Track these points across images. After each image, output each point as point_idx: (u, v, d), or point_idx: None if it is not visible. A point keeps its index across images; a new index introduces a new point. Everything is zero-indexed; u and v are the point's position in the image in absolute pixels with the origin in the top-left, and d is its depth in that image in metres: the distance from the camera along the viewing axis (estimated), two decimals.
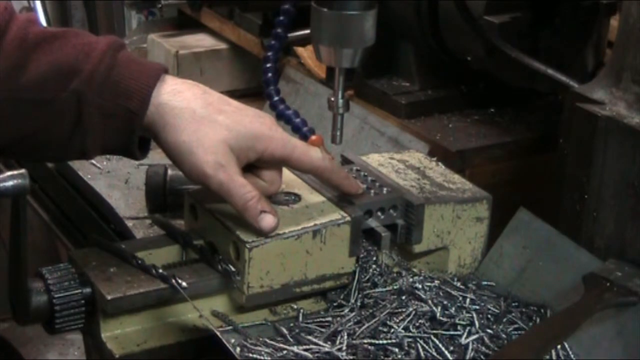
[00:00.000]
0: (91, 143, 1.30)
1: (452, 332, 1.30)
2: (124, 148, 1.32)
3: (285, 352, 1.24)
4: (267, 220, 1.28)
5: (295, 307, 1.35)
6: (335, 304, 1.36)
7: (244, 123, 1.31)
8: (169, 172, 1.65)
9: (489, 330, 1.31)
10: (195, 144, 1.27)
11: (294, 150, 1.32)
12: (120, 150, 1.34)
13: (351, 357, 1.25)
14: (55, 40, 1.29)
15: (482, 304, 1.36)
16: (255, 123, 1.31)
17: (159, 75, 1.30)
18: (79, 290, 1.27)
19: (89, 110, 1.27)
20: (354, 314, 1.32)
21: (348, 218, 1.34)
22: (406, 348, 1.26)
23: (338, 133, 1.63)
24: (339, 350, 1.25)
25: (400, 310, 1.32)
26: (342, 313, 1.33)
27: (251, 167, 1.33)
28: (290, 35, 1.76)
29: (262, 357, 1.23)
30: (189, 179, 1.32)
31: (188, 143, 1.27)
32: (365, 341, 1.26)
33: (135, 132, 1.30)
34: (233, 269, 1.30)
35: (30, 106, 1.27)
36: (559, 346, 1.29)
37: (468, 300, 1.36)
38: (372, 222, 1.39)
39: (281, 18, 1.68)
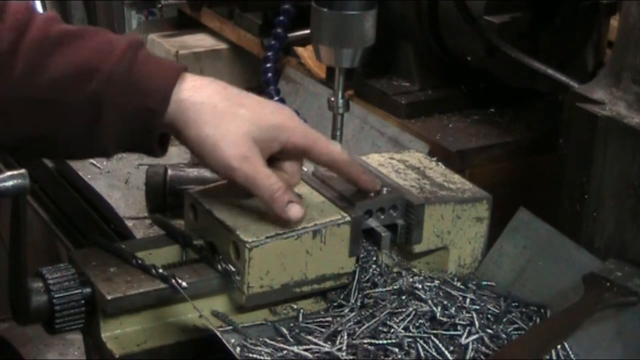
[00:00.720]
0: (110, 142, 1.30)
1: (452, 332, 1.30)
2: (143, 146, 1.33)
3: (285, 352, 1.24)
4: (294, 210, 1.29)
5: (295, 307, 1.35)
6: (335, 304, 1.35)
7: (266, 115, 1.32)
8: (169, 172, 1.65)
9: (489, 330, 1.31)
10: (219, 137, 1.28)
11: (315, 142, 1.33)
12: (139, 148, 1.34)
13: (351, 357, 1.25)
14: (74, 40, 1.29)
15: (482, 304, 1.36)
16: (276, 114, 1.32)
17: (179, 74, 1.30)
18: (79, 290, 1.27)
19: (107, 110, 1.27)
20: (354, 314, 1.32)
21: (348, 218, 1.34)
22: (406, 348, 1.26)
23: (338, 133, 1.64)
24: (339, 350, 1.25)
25: (400, 310, 1.32)
26: (342, 313, 1.33)
27: (271, 160, 1.34)
28: (290, 35, 1.76)
29: (262, 357, 1.23)
30: (214, 173, 1.34)
31: (212, 137, 1.28)
32: (365, 341, 1.26)
33: (155, 131, 1.30)
34: (233, 269, 1.30)
35: (48, 106, 1.28)
36: (559, 346, 1.29)
37: (468, 300, 1.36)
38: (372, 222, 1.39)
39: (281, 18, 1.68)
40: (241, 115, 1.30)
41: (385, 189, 1.42)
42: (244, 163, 1.28)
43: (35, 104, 1.27)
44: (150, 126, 1.29)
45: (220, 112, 1.29)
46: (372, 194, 1.40)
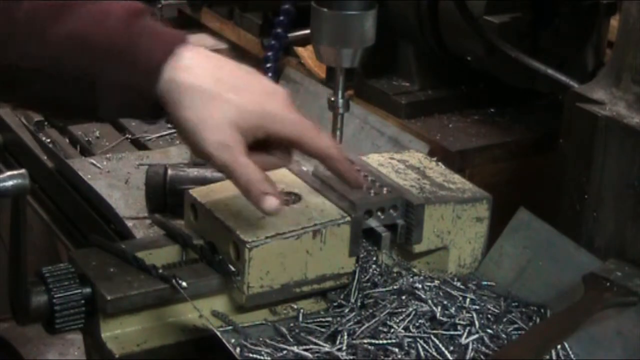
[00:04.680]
0: (105, 109, 1.30)
1: (452, 332, 1.30)
2: (138, 115, 1.35)
3: (285, 352, 1.24)
4: (269, 202, 1.26)
5: (295, 307, 1.35)
6: (335, 304, 1.35)
7: (254, 101, 1.28)
8: (169, 172, 1.65)
9: (489, 330, 1.31)
10: (201, 122, 1.26)
11: (303, 133, 1.29)
12: (134, 115, 1.37)
13: (351, 357, 1.25)
14: (70, 8, 1.27)
15: (482, 304, 1.36)
16: (266, 101, 1.28)
17: (172, 50, 1.27)
18: (79, 290, 1.27)
19: (101, 82, 1.26)
20: (354, 314, 1.32)
21: (348, 218, 1.34)
22: (406, 348, 1.26)
23: (338, 133, 1.64)
24: (339, 350, 1.25)
25: (400, 310, 1.32)
26: (342, 313, 1.33)
27: (262, 144, 1.30)
28: (290, 35, 1.76)
29: (262, 357, 1.23)
30: (195, 155, 1.33)
31: (192, 121, 1.26)
32: (365, 341, 1.26)
33: (148, 104, 1.28)
34: (233, 269, 1.30)
35: (45, 74, 1.27)
36: (559, 346, 1.29)
37: (468, 300, 1.36)
38: (372, 222, 1.39)
39: (281, 18, 1.68)
40: (228, 100, 1.27)
41: (385, 189, 1.42)
42: (223, 151, 1.25)
43: (35, 72, 1.27)
44: (142, 99, 1.27)
45: (207, 96, 1.26)
46: (372, 194, 1.40)
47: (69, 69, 1.27)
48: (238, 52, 2.39)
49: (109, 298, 1.24)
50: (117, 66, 1.26)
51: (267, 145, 1.30)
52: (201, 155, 1.28)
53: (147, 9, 1.30)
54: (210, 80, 1.28)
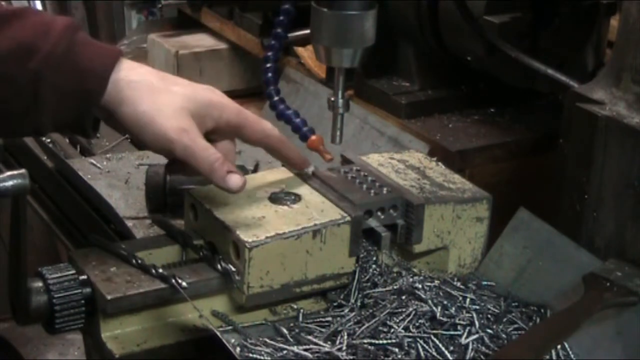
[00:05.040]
0: (45, 121, 1.31)
1: (452, 332, 1.30)
2: (79, 127, 1.34)
3: (285, 352, 1.24)
4: (234, 180, 1.30)
5: (295, 307, 1.35)
6: (335, 304, 1.35)
7: (199, 92, 1.34)
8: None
9: (489, 330, 1.31)
10: (156, 112, 1.30)
11: (247, 118, 1.36)
12: (75, 128, 1.36)
13: (351, 357, 1.25)
14: (14, 19, 1.30)
15: (482, 304, 1.36)
16: (208, 92, 1.35)
17: (117, 56, 1.32)
18: (79, 290, 1.27)
19: (45, 89, 1.28)
20: (354, 314, 1.32)
21: (348, 218, 1.34)
22: (406, 348, 1.26)
23: (338, 133, 1.63)
24: (339, 350, 1.25)
25: (400, 310, 1.32)
26: (342, 313, 1.33)
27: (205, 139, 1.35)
28: (290, 35, 1.76)
29: (262, 357, 1.23)
30: (151, 149, 1.34)
31: (148, 112, 1.30)
32: (365, 341, 1.26)
33: (92, 111, 1.32)
34: (233, 269, 1.30)
35: None
36: (559, 346, 1.29)
37: (468, 300, 1.36)
38: (372, 222, 1.39)
39: (281, 18, 1.68)
40: (176, 91, 1.32)
41: (385, 189, 1.42)
42: (182, 135, 1.29)
43: None
44: (87, 106, 1.31)
45: (157, 89, 1.31)
46: (372, 194, 1.40)
47: (13, 75, 1.28)
48: (238, 52, 2.39)
49: (109, 298, 1.24)
50: (62, 71, 1.29)
51: (210, 141, 1.34)
52: (161, 144, 1.31)
53: (80, 26, 1.35)
54: (156, 77, 1.34)
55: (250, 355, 1.23)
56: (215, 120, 1.33)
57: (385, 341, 1.27)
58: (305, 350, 1.24)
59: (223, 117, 1.34)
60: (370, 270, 1.38)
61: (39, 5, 3.46)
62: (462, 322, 1.31)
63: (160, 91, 1.32)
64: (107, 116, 1.33)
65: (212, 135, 1.35)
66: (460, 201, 1.43)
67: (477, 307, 1.35)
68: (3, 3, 1.36)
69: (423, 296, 1.34)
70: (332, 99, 1.60)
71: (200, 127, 1.32)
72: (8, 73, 1.28)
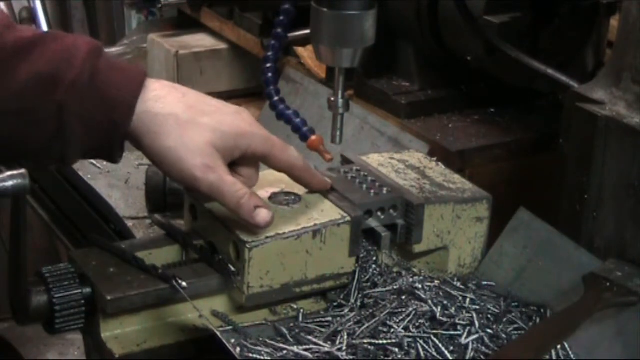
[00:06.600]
0: (71, 151, 1.29)
1: (452, 332, 1.30)
2: (105, 154, 1.32)
3: (285, 352, 1.24)
4: (263, 215, 1.29)
5: (295, 307, 1.35)
6: (335, 304, 1.35)
7: (227, 122, 1.31)
8: None
9: (489, 330, 1.31)
10: (182, 149, 1.28)
11: (273, 147, 1.34)
12: (100, 155, 1.33)
13: (351, 357, 1.25)
14: (34, 48, 1.26)
15: (482, 304, 1.36)
16: (237, 121, 1.32)
17: (142, 82, 1.29)
18: (79, 290, 1.27)
19: (70, 120, 1.26)
20: (354, 314, 1.32)
21: (348, 218, 1.34)
22: (406, 348, 1.26)
23: (338, 133, 1.63)
24: (339, 350, 1.25)
25: (400, 310, 1.32)
26: (342, 313, 1.33)
27: (229, 165, 1.33)
28: (290, 35, 1.76)
29: (262, 357, 1.23)
30: (177, 183, 1.33)
31: (174, 149, 1.28)
32: (365, 341, 1.26)
33: (118, 140, 1.29)
34: (233, 269, 1.30)
35: (12, 117, 1.26)
36: (559, 346, 1.29)
37: (468, 300, 1.36)
38: (372, 222, 1.39)
39: (281, 18, 1.68)
40: (203, 124, 1.29)
41: (385, 189, 1.42)
42: (208, 172, 1.27)
43: (0, 115, 1.26)
44: (114, 136, 1.28)
45: (183, 123, 1.29)
46: (372, 194, 1.40)
47: (35, 107, 1.25)
48: (238, 52, 2.39)
49: (109, 298, 1.24)
50: (88, 100, 1.26)
51: (234, 166, 1.33)
52: (187, 181, 1.29)
53: (103, 47, 1.31)
54: (183, 107, 1.30)
55: (250, 355, 1.23)
56: (241, 150, 1.31)
57: (385, 341, 1.27)
58: (305, 350, 1.24)
59: (251, 147, 1.32)
60: (370, 270, 1.38)
61: (39, 6, 3.46)
62: (462, 322, 1.31)
63: (187, 125, 1.29)
64: (136, 144, 1.30)
65: (236, 161, 1.33)
66: (460, 201, 1.43)
67: (477, 307, 1.35)
68: (24, 27, 1.31)
69: (423, 296, 1.34)
70: (332, 99, 1.60)
71: (226, 159, 1.30)
72: (29, 106, 1.25)
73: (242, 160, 1.34)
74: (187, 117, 1.29)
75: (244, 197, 1.28)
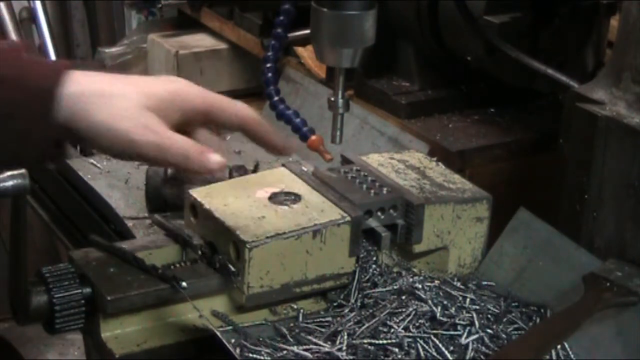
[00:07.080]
0: (25, 152, 1.26)
1: (452, 332, 1.30)
2: (33, 153, 1.27)
3: (285, 352, 1.24)
4: (214, 158, 1.24)
5: (295, 307, 1.35)
6: (335, 304, 1.35)
7: (157, 86, 1.27)
8: (169, 172, 1.65)
9: (489, 330, 1.31)
10: (112, 118, 1.23)
11: (215, 101, 1.28)
12: (30, 156, 1.28)
13: (351, 357, 1.25)
14: None
15: (482, 304, 1.36)
16: (168, 83, 1.28)
17: (64, 71, 1.25)
18: (79, 290, 1.27)
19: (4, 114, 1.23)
20: (354, 314, 1.32)
21: (348, 218, 1.34)
22: (406, 348, 1.26)
23: (338, 133, 1.63)
24: (339, 350, 1.25)
25: (400, 310, 1.32)
26: (342, 313, 1.33)
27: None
28: (290, 35, 1.76)
29: (262, 357, 1.23)
30: (120, 157, 1.29)
31: (105, 121, 1.23)
32: (365, 341, 1.26)
33: (44, 134, 1.25)
34: (233, 269, 1.30)
35: None
36: (559, 346, 1.29)
37: (468, 300, 1.36)
38: (372, 222, 1.39)
39: (281, 18, 1.68)
40: (129, 92, 1.25)
41: (385, 189, 1.42)
42: (147, 133, 1.23)
43: None
44: (39, 129, 1.24)
45: (109, 94, 1.24)
46: (372, 194, 1.40)
47: None
48: (238, 52, 2.39)
49: (109, 298, 1.24)
50: (10, 95, 1.23)
51: (184, 133, 1.28)
52: (126, 149, 1.25)
53: (28, 44, 1.30)
54: (107, 81, 1.27)
55: (250, 355, 1.23)
56: (180, 110, 1.26)
57: (385, 341, 1.27)
58: (305, 350, 1.24)
59: (187, 104, 1.26)
60: (370, 270, 1.38)
61: (39, 6, 3.45)
62: (462, 322, 1.31)
63: (113, 96, 1.24)
64: (71, 133, 1.25)
65: (184, 127, 1.28)
66: (460, 201, 1.43)
67: (477, 307, 1.35)
68: None
69: (423, 296, 1.34)
70: (332, 99, 1.60)
71: (165, 121, 1.24)
72: None
73: (189, 125, 1.28)
74: (112, 89, 1.25)
75: (190, 147, 1.23)
